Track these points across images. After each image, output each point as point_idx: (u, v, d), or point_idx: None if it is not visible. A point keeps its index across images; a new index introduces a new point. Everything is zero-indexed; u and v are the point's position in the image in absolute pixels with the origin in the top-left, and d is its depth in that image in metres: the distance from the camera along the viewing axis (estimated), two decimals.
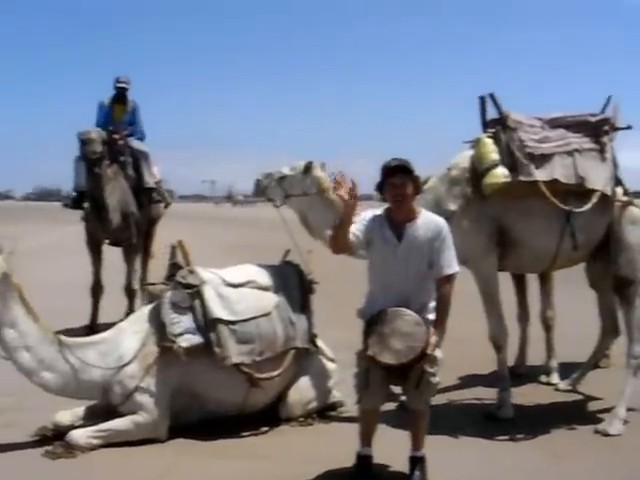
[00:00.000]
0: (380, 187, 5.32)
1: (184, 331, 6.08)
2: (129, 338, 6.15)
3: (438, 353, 5.15)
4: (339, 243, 5.28)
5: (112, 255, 11.09)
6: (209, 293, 6.24)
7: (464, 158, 6.77)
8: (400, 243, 5.22)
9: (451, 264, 5.22)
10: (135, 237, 10.49)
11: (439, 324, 5.17)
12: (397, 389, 5.59)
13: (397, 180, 5.18)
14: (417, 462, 5.16)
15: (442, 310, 5.20)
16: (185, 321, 6.13)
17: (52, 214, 61.24)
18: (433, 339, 5.06)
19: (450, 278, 5.23)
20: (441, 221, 5.32)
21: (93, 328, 9.81)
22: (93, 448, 5.76)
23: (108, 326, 9.69)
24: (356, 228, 5.25)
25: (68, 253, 21.02)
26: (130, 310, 10.56)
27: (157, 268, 11.33)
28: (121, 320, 10.29)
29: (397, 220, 5.26)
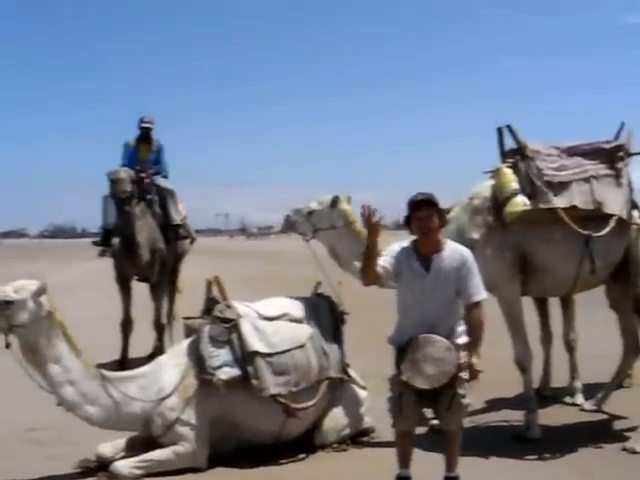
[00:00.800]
0: (407, 220, 5.51)
1: (223, 364, 6.27)
2: (169, 371, 6.33)
3: (466, 375, 5.33)
4: (368, 274, 5.49)
5: (138, 291, 11.25)
6: (246, 327, 6.44)
7: (485, 187, 7.01)
8: (428, 274, 5.40)
9: (479, 291, 5.41)
10: (160, 273, 10.70)
11: (473, 348, 5.33)
12: (428, 413, 5.76)
13: (423, 213, 5.38)
14: None
15: (475, 334, 5.37)
16: (223, 354, 6.32)
17: (68, 251, 61.77)
18: (468, 360, 5.24)
19: (479, 304, 5.41)
20: (466, 251, 5.50)
21: (124, 363, 10.01)
22: (136, 478, 5.95)
23: (136, 361, 9.95)
24: (384, 260, 5.47)
25: (87, 290, 21.28)
26: (159, 344, 10.78)
27: (182, 303, 11.64)
28: (150, 354, 10.58)
29: (424, 251, 5.44)
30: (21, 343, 5.84)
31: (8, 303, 5.72)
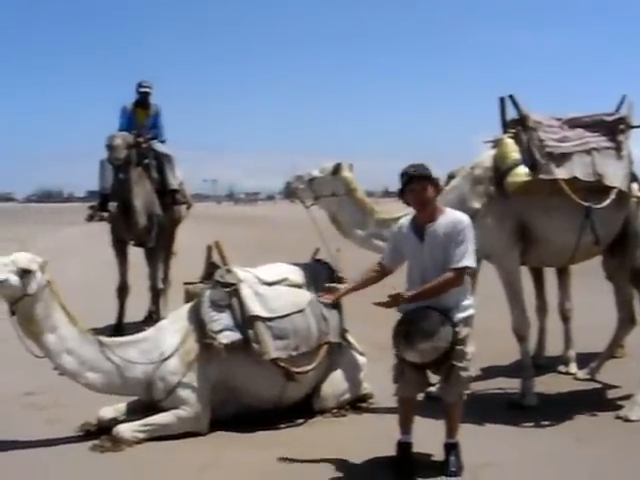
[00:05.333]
0: (401, 192, 5.53)
1: (223, 328, 6.33)
2: (170, 335, 6.38)
3: (468, 348, 5.36)
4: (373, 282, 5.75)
5: (131, 256, 11.22)
6: (246, 291, 6.49)
7: (487, 157, 7.03)
8: (423, 243, 5.44)
9: (460, 259, 5.28)
10: (157, 238, 10.67)
11: (419, 291, 5.30)
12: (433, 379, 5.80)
13: (416, 186, 5.39)
14: (452, 448, 5.42)
15: (431, 285, 5.29)
16: (224, 318, 6.37)
17: (55, 216, 61.42)
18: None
19: (456, 271, 5.29)
20: (460, 217, 5.43)
21: (119, 328, 10.06)
22: (139, 442, 6.00)
23: (131, 325, 9.98)
24: (390, 249, 5.69)
25: (77, 255, 21.25)
26: (154, 309, 10.81)
27: (175, 267, 11.67)
28: (145, 319, 10.63)
29: (421, 222, 5.47)
30: (21, 313, 5.86)
31: (26, 272, 5.78)
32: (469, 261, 5.32)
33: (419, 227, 5.47)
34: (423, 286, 5.31)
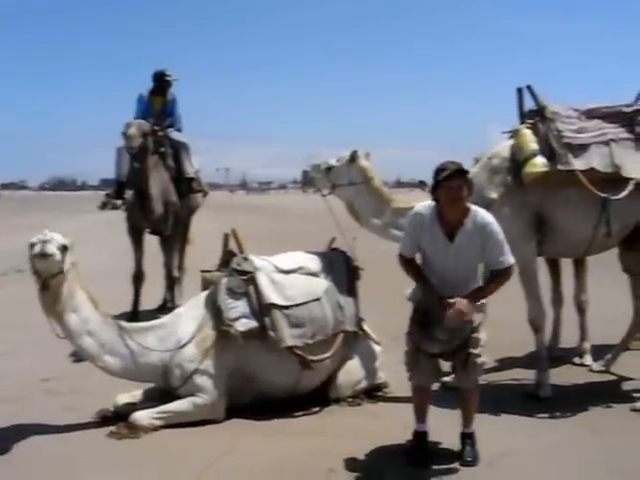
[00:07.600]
0: (435, 187, 5.41)
1: (240, 316, 6.36)
2: (187, 322, 6.42)
3: (482, 335, 5.39)
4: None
5: (146, 243, 11.17)
6: (263, 279, 6.52)
7: (504, 147, 7.02)
8: (452, 243, 5.39)
9: (507, 258, 5.40)
10: (173, 226, 10.70)
11: (477, 291, 5.36)
12: (445, 367, 5.80)
13: (454, 183, 5.30)
14: (468, 438, 5.45)
15: (489, 285, 5.41)
16: (241, 306, 6.41)
17: (69, 204, 61.67)
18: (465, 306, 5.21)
19: (508, 270, 5.42)
20: (489, 218, 5.42)
21: (134, 316, 10.07)
22: (155, 429, 6.04)
23: (147, 313, 10.03)
24: (409, 241, 5.58)
25: (91, 243, 21.28)
26: (170, 297, 10.86)
27: (189, 255, 11.68)
28: (160, 306, 10.68)
29: (449, 219, 5.40)
30: (52, 290, 5.87)
31: (65, 248, 5.83)
32: (511, 257, 5.43)
33: (448, 227, 5.42)
34: (483, 288, 5.41)
